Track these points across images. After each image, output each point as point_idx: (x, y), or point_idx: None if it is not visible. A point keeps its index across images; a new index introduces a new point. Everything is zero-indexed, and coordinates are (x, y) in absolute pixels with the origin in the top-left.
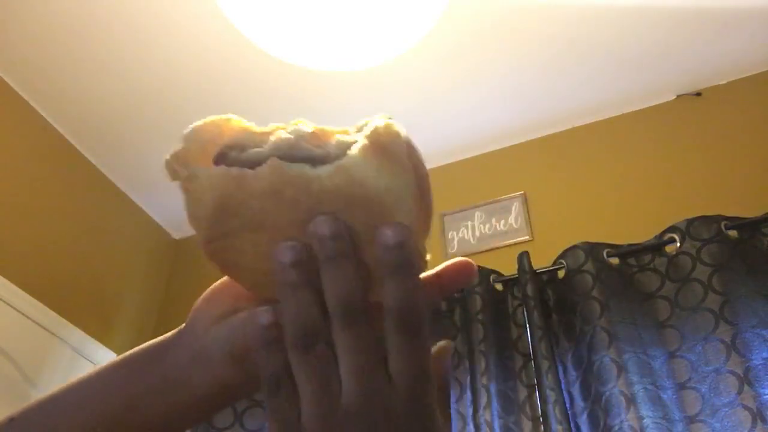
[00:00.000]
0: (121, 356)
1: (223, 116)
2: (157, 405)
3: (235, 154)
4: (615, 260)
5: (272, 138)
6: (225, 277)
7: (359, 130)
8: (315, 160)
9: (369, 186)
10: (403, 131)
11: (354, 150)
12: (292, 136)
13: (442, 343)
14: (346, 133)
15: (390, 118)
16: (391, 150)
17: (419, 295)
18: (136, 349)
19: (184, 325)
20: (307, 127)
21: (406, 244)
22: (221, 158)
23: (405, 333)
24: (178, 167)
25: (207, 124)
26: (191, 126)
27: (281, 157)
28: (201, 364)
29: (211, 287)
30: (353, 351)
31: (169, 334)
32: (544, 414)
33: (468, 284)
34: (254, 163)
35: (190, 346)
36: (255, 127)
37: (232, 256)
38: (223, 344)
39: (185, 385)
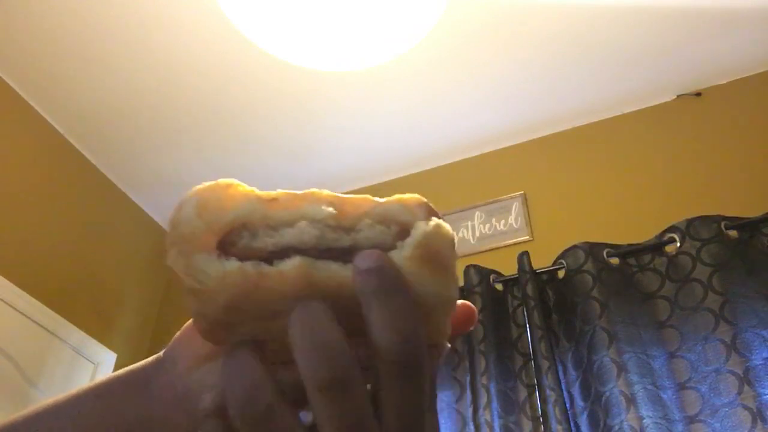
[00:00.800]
0: (100, 382)
1: (222, 182)
2: None
3: (246, 242)
4: (615, 260)
5: (290, 227)
6: None
7: (385, 207)
8: (343, 253)
9: (418, 294)
10: (451, 231)
11: (400, 256)
12: (316, 230)
13: None
14: (368, 201)
15: (440, 220)
16: (442, 256)
17: (417, 323)
18: (114, 376)
19: (163, 353)
20: (326, 205)
21: (386, 266)
22: (229, 245)
23: (404, 370)
24: (182, 272)
25: (206, 192)
26: (189, 199)
27: (305, 253)
28: (184, 408)
29: None
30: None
31: (148, 361)
32: (544, 414)
33: (467, 330)
34: (272, 254)
35: (173, 385)
36: (258, 192)
37: (232, 336)
38: (208, 391)
39: (168, 426)
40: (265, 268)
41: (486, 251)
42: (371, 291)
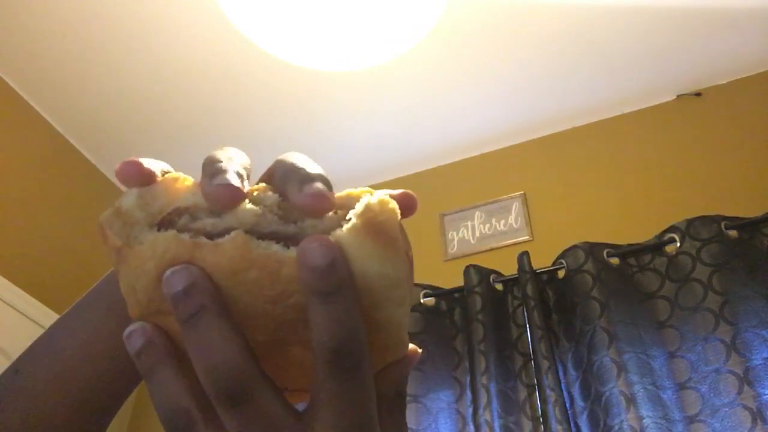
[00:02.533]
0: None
1: (172, 174)
2: None
3: (184, 222)
4: (615, 260)
5: (233, 210)
6: None
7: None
8: (287, 238)
9: (357, 273)
10: (397, 207)
11: (343, 230)
12: (257, 208)
13: (410, 346)
14: None
15: (384, 196)
16: (387, 230)
17: (356, 327)
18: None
19: None
20: (274, 194)
21: (337, 265)
22: (167, 225)
23: (339, 374)
24: (114, 232)
25: (153, 184)
26: (131, 190)
27: (247, 231)
28: None
29: None
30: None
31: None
32: (544, 414)
33: (408, 214)
34: (210, 235)
35: None
36: None
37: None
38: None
39: None
40: (202, 239)
41: (486, 251)
42: (315, 292)
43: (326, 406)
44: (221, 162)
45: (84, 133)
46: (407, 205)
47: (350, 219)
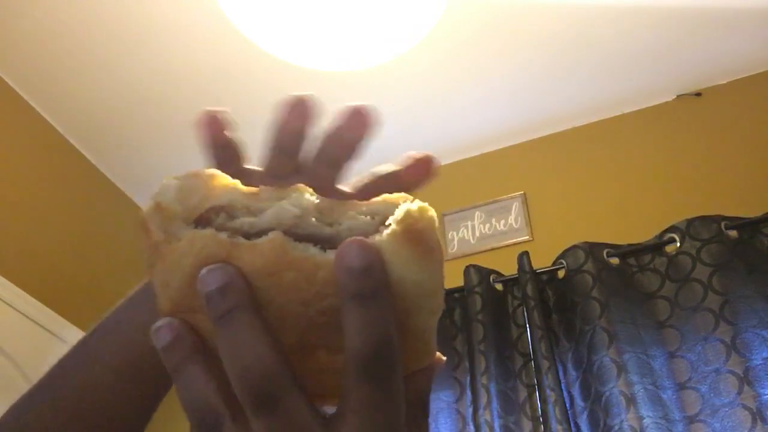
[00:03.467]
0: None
1: (207, 171)
2: None
3: (222, 221)
4: (615, 260)
5: (270, 208)
6: None
7: (370, 206)
8: (323, 241)
9: (394, 279)
10: (435, 215)
11: (382, 235)
12: (296, 209)
13: None
14: (356, 207)
15: (423, 203)
16: (426, 238)
17: (390, 334)
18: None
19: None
20: (311, 196)
21: (374, 268)
22: (205, 222)
23: (370, 380)
24: (155, 227)
25: (190, 178)
26: (170, 180)
27: (285, 233)
28: None
29: None
30: None
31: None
32: (544, 414)
33: (428, 176)
34: (247, 235)
35: None
36: (241, 186)
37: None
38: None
39: None
40: (240, 239)
41: (486, 251)
42: (351, 295)
43: (355, 413)
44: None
45: (84, 133)
46: (426, 170)
47: (389, 224)
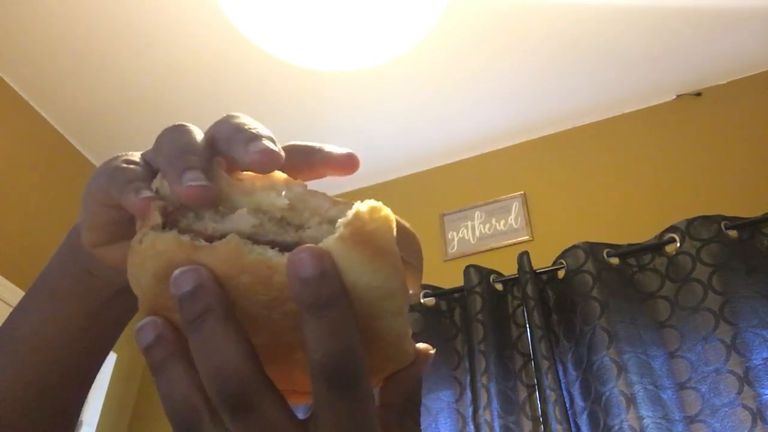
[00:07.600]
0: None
1: None
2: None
3: (188, 222)
4: (615, 260)
5: (233, 215)
6: None
7: (344, 206)
8: (285, 247)
9: (348, 284)
10: (392, 214)
11: (330, 240)
12: (255, 220)
13: (421, 346)
14: (328, 203)
15: (377, 203)
16: (376, 240)
17: (351, 342)
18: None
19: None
20: (280, 198)
21: (327, 275)
22: (173, 223)
23: (336, 391)
24: (142, 222)
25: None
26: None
27: (247, 237)
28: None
29: None
30: None
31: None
32: (544, 414)
33: (348, 172)
34: (210, 238)
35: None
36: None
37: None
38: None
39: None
40: (200, 241)
41: (486, 251)
42: (306, 305)
43: (326, 421)
44: (254, 128)
45: (84, 133)
46: (347, 164)
47: (339, 224)
